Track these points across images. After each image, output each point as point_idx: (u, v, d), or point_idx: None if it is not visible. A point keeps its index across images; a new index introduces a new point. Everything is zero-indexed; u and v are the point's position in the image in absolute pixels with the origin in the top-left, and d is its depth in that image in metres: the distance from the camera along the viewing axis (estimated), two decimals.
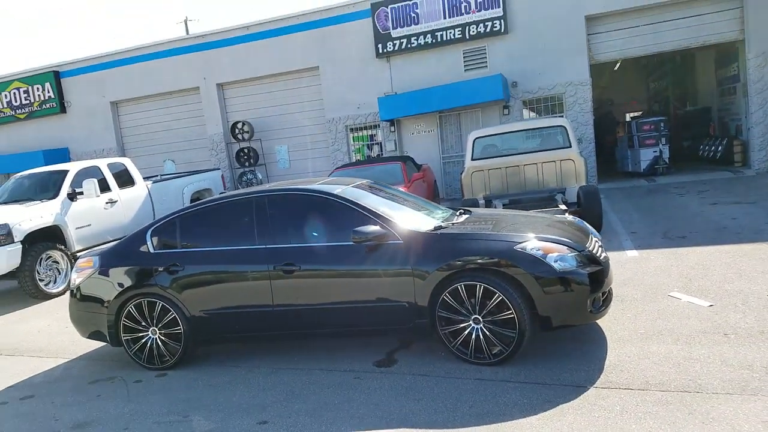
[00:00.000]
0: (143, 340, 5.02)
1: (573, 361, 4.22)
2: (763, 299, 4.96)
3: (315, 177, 5.50)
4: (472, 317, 4.27)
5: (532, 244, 4.25)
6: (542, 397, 3.70)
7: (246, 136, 15.96)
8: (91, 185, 9.22)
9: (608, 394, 3.64)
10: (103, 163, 10.20)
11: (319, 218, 4.75)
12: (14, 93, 18.13)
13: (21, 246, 8.38)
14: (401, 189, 9.53)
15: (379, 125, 15.55)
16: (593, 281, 4.21)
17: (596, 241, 4.78)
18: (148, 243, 5.05)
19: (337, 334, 4.66)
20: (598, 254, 4.46)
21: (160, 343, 4.98)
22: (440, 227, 4.62)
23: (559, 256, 4.21)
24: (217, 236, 4.94)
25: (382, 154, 15.59)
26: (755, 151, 12.97)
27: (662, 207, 10.13)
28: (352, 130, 15.89)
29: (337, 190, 4.86)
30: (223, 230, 4.94)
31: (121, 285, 4.98)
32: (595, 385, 3.79)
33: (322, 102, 15.88)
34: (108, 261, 5.12)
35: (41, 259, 8.65)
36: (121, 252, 5.14)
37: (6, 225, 8.25)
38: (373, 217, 4.56)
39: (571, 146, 9.26)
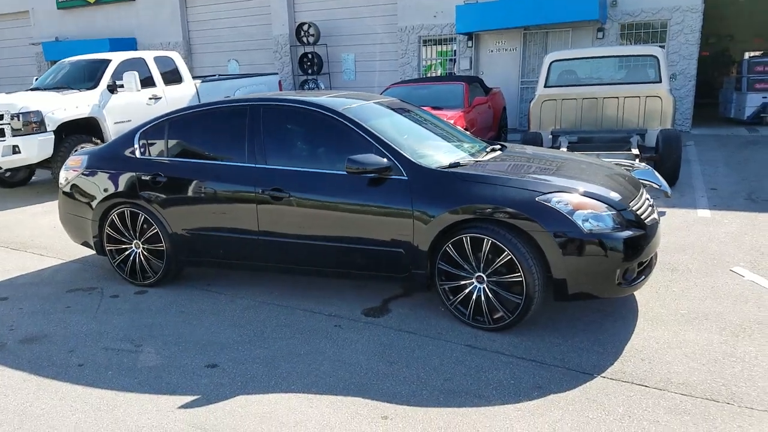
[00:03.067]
0: (126, 253, 4.75)
1: (587, 338, 3.58)
2: None
3: (371, 94, 4.94)
4: (476, 275, 3.68)
5: (559, 196, 3.52)
6: (533, 381, 3.13)
7: (311, 39, 15.21)
8: (131, 78, 8.97)
9: (615, 389, 3.02)
10: (149, 56, 9.88)
11: (317, 138, 4.17)
12: None
13: (53, 136, 8.25)
14: (455, 114, 8.76)
15: (455, 39, 14.35)
16: (630, 248, 3.47)
17: (646, 199, 3.97)
18: (136, 147, 4.68)
19: (324, 274, 4.19)
20: (643, 215, 3.68)
21: (142, 258, 4.69)
22: (456, 164, 3.94)
23: (591, 214, 3.47)
24: (205, 147, 4.46)
25: (453, 72, 14.52)
26: None
27: (757, 162, 8.76)
28: (425, 42, 14.78)
29: (343, 106, 4.23)
30: (213, 141, 4.44)
31: (105, 190, 4.67)
32: (603, 374, 3.17)
33: (396, 7, 14.74)
34: (96, 162, 4.79)
35: (75, 151, 8.56)
36: (109, 154, 4.79)
37: (39, 112, 8.11)
38: (377, 144, 3.94)
39: (661, 81, 8.02)
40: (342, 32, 15.60)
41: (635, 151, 7.20)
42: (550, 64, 8.58)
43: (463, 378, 3.18)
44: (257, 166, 4.21)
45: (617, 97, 8.18)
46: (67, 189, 4.94)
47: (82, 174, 4.82)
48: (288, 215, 4.10)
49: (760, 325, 3.61)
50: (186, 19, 17.78)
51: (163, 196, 4.47)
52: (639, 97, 8.08)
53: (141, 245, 4.67)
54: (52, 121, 8.27)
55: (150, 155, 4.63)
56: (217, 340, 3.80)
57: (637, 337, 3.57)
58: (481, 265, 3.64)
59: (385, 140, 3.95)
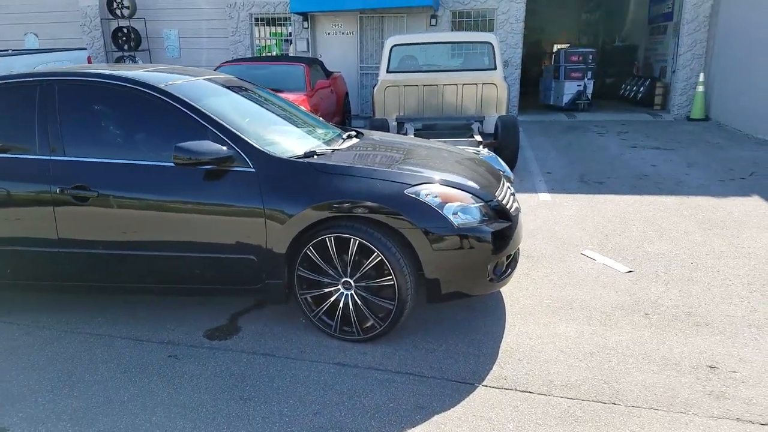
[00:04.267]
0: None
1: (461, 340, 3.30)
2: (687, 267, 4.26)
3: (199, 69, 4.19)
4: (342, 280, 3.21)
5: (428, 189, 3.17)
6: (414, 400, 2.75)
7: (126, 12, 13.48)
8: None
9: (500, 399, 2.74)
10: None
11: (134, 123, 3.35)
12: None
13: None
14: (298, 97, 8.19)
15: (289, 19, 13.64)
16: (498, 240, 3.22)
17: (508, 188, 3.80)
18: None
19: (153, 292, 3.42)
20: (508, 206, 3.48)
21: None
22: (312, 154, 3.41)
23: (460, 206, 3.17)
24: None
25: (287, 53, 13.83)
26: (676, 95, 12.51)
27: (581, 146, 9.43)
28: (258, 20, 13.88)
29: (167, 82, 3.46)
30: None
31: None
32: (484, 383, 2.89)
33: None
34: None
35: None
36: None
37: None
38: (214, 129, 3.25)
39: (496, 68, 8.24)
40: (162, 6, 14.04)
41: (478, 138, 7.26)
42: (392, 48, 8.41)
43: (336, 408, 2.69)
44: (52, 158, 3.29)
45: (456, 84, 8.26)
46: None
47: None
48: (98, 220, 3.25)
49: (623, 311, 3.62)
50: None
51: None
52: (476, 84, 8.23)
53: None
54: None
55: None
56: (6, 391, 2.88)
57: (509, 334, 3.37)
58: (348, 269, 3.17)
59: (223, 124, 3.28)
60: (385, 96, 8.35)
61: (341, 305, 3.23)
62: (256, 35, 13.99)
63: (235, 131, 3.27)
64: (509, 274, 3.44)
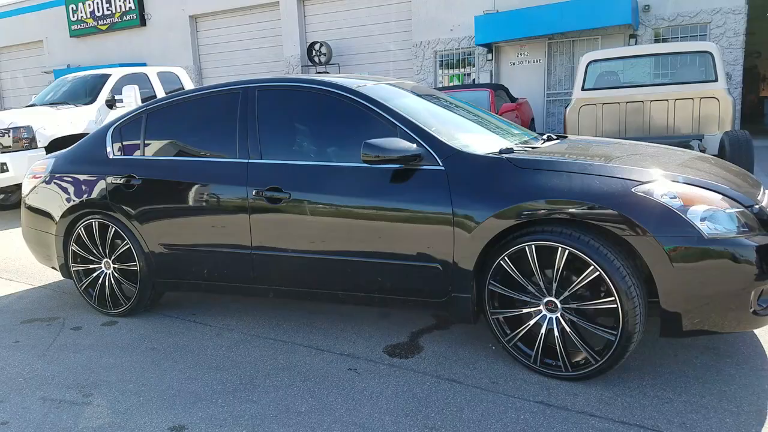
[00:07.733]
0: (95, 275, 3.80)
1: (707, 391, 2.47)
2: None
3: (383, 77, 4.16)
4: (545, 300, 2.61)
5: (663, 186, 2.47)
6: None
7: (323, 59, 14.53)
8: (131, 92, 8.28)
9: None
10: (152, 72, 9.29)
11: (327, 125, 3.20)
12: (97, 3, 17.74)
13: (45, 153, 7.56)
14: None
15: (473, 53, 13.51)
16: (764, 259, 2.38)
17: None
18: (108, 145, 3.75)
19: (335, 299, 3.16)
20: None
21: (113, 281, 3.73)
22: (509, 150, 2.91)
23: (709, 211, 2.41)
24: (188, 142, 3.53)
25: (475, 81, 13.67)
26: None
27: None
28: (442, 58, 13.97)
29: (357, 85, 3.26)
30: (197, 134, 3.51)
31: (69, 199, 3.75)
32: None
33: (410, 23, 14.00)
34: (62, 166, 3.88)
35: None
36: (77, 155, 3.87)
37: (30, 128, 7.46)
38: (403, 126, 2.94)
39: (717, 80, 7.02)
40: (354, 51, 14.88)
41: None
42: (588, 64, 7.66)
43: None
44: (250, 161, 3.25)
45: (666, 100, 7.19)
46: (30, 200, 4.04)
47: (45, 181, 3.92)
48: (289, 223, 3.11)
49: None
50: (197, 43, 17.28)
51: (137, 202, 3.53)
52: (692, 98, 7.07)
53: (111, 264, 3.72)
54: (44, 138, 7.60)
55: (124, 154, 3.70)
56: (191, 389, 2.76)
57: None
58: (553, 286, 2.57)
59: (412, 120, 2.96)
60: (579, 116, 7.58)
61: (543, 331, 2.62)
62: (439, 71, 14.08)
63: (423, 127, 2.93)
64: None
